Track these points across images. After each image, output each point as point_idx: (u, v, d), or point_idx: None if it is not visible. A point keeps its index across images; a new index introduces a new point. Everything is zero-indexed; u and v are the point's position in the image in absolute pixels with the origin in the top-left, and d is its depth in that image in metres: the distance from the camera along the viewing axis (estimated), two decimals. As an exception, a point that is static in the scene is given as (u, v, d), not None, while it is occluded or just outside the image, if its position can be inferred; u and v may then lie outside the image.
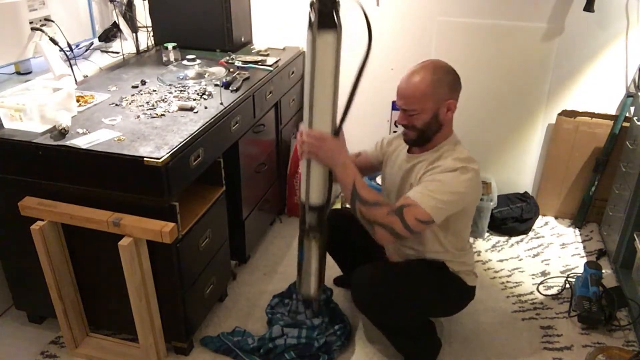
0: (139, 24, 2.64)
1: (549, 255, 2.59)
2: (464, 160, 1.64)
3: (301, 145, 1.61)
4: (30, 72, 2.17)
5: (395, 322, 1.79)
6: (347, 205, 2.81)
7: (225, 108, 1.94)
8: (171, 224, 1.61)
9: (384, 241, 1.65)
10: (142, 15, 2.67)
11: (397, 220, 1.57)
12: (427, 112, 1.64)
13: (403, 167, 1.78)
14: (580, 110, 2.70)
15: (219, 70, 2.31)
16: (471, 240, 2.68)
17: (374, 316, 1.80)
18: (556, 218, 2.89)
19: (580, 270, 2.43)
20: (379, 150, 1.95)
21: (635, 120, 2.41)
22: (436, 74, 1.63)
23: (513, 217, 2.73)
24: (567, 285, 2.35)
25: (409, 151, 1.79)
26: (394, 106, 2.84)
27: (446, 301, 1.85)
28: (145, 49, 2.69)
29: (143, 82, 2.16)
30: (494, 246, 2.66)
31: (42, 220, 1.70)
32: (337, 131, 1.63)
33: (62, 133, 1.67)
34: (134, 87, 2.11)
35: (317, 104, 1.55)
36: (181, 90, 2.08)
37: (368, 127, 2.82)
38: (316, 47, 1.47)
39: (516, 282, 2.39)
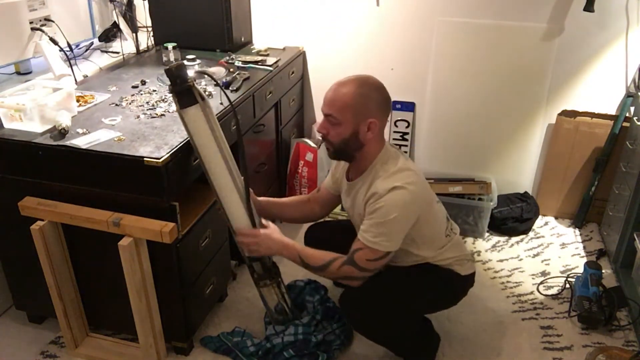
0: (139, 24, 2.64)
1: (549, 255, 2.59)
2: (395, 175, 1.62)
3: (240, 245, 1.74)
4: (30, 72, 2.17)
5: (393, 333, 1.77)
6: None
7: (225, 108, 1.94)
8: (171, 224, 1.61)
9: (354, 285, 1.70)
10: (142, 15, 2.67)
11: (352, 269, 1.65)
12: (346, 125, 1.61)
13: (349, 196, 1.79)
14: (580, 110, 2.69)
15: (219, 70, 2.31)
16: (471, 240, 2.68)
17: (373, 334, 1.79)
18: (556, 218, 2.89)
19: (580, 270, 2.43)
20: (331, 178, 1.93)
21: (635, 120, 2.40)
22: (363, 88, 1.61)
23: (513, 217, 2.73)
24: (567, 285, 2.35)
25: (347, 179, 1.80)
26: (394, 106, 2.84)
27: (442, 297, 1.84)
28: (145, 49, 2.69)
29: (143, 82, 2.16)
30: (494, 246, 2.66)
31: (42, 220, 1.70)
32: (260, 223, 1.75)
33: (62, 133, 1.67)
34: (134, 87, 2.11)
35: (222, 192, 1.64)
36: (181, 90, 2.08)
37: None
38: (187, 123, 1.53)
39: (516, 282, 2.39)
